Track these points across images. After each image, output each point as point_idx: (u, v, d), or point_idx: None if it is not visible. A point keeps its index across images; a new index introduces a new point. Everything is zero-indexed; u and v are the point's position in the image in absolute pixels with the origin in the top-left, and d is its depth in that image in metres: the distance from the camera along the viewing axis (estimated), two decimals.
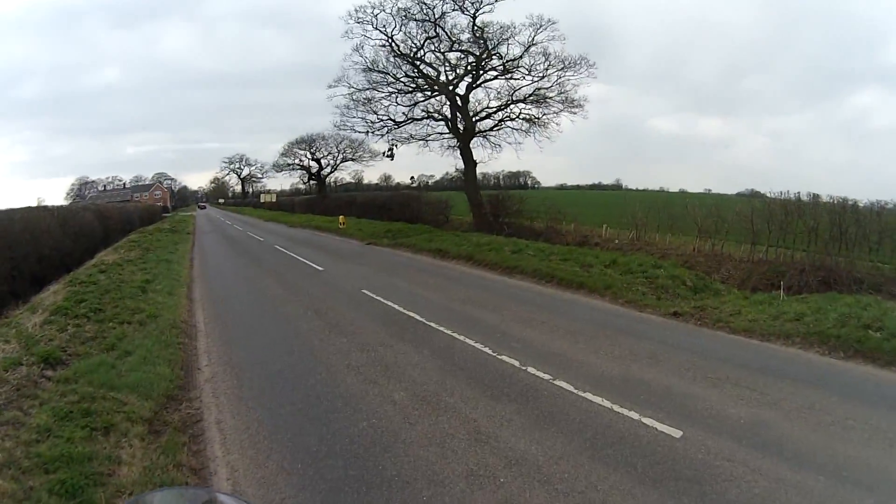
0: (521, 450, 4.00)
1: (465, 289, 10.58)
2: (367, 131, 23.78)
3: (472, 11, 21.05)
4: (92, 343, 6.54)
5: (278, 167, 55.88)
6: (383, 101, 23.25)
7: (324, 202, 44.44)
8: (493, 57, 21.94)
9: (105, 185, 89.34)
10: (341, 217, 28.10)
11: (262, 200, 69.13)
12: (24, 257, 11.47)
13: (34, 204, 24.84)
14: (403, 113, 23.42)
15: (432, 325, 7.67)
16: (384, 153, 26.54)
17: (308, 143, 51.66)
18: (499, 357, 6.15)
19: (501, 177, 79.35)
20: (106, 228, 21.96)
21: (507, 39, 21.44)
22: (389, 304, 9.16)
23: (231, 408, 5.00)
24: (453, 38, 21.90)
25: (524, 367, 5.78)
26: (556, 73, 21.20)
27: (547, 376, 5.48)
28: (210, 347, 7.05)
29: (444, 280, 11.78)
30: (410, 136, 23.78)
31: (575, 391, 5.08)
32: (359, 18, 21.69)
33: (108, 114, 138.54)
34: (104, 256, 15.90)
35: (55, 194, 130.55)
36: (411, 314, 8.35)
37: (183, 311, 9.03)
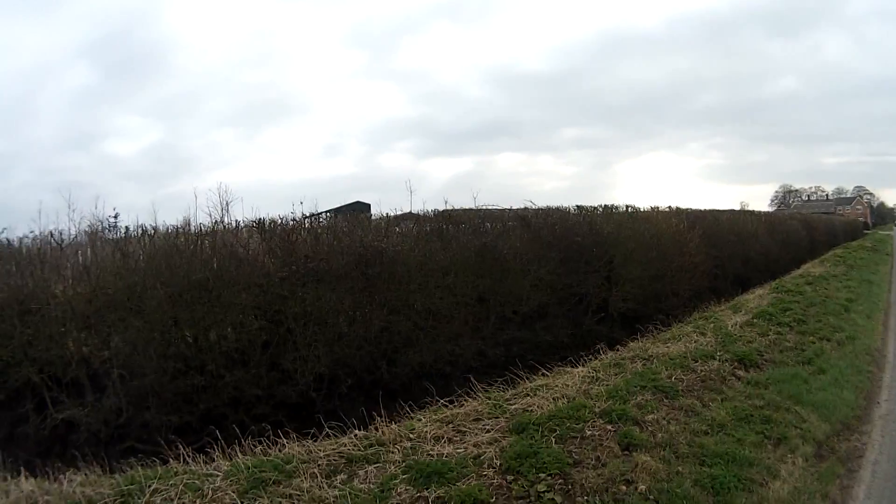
0: None
1: None
2: None
3: None
4: (790, 353, 6.66)
5: None
6: None
7: None
8: None
9: (808, 196, 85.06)
10: None
11: None
12: (728, 257, 12.03)
13: (737, 207, 24.70)
14: None
15: None
16: None
17: None
18: None
19: None
20: (812, 240, 21.99)
21: None
22: None
23: (890, 451, 4.78)
24: None
25: None
26: None
27: None
28: (893, 381, 6.76)
29: None
30: None
31: None
32: None
33: (796, 123, 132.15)
34: (810, 268, 15.87)
35: (757, 200, 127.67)
36: None
37: (877, 337, 8.74)
